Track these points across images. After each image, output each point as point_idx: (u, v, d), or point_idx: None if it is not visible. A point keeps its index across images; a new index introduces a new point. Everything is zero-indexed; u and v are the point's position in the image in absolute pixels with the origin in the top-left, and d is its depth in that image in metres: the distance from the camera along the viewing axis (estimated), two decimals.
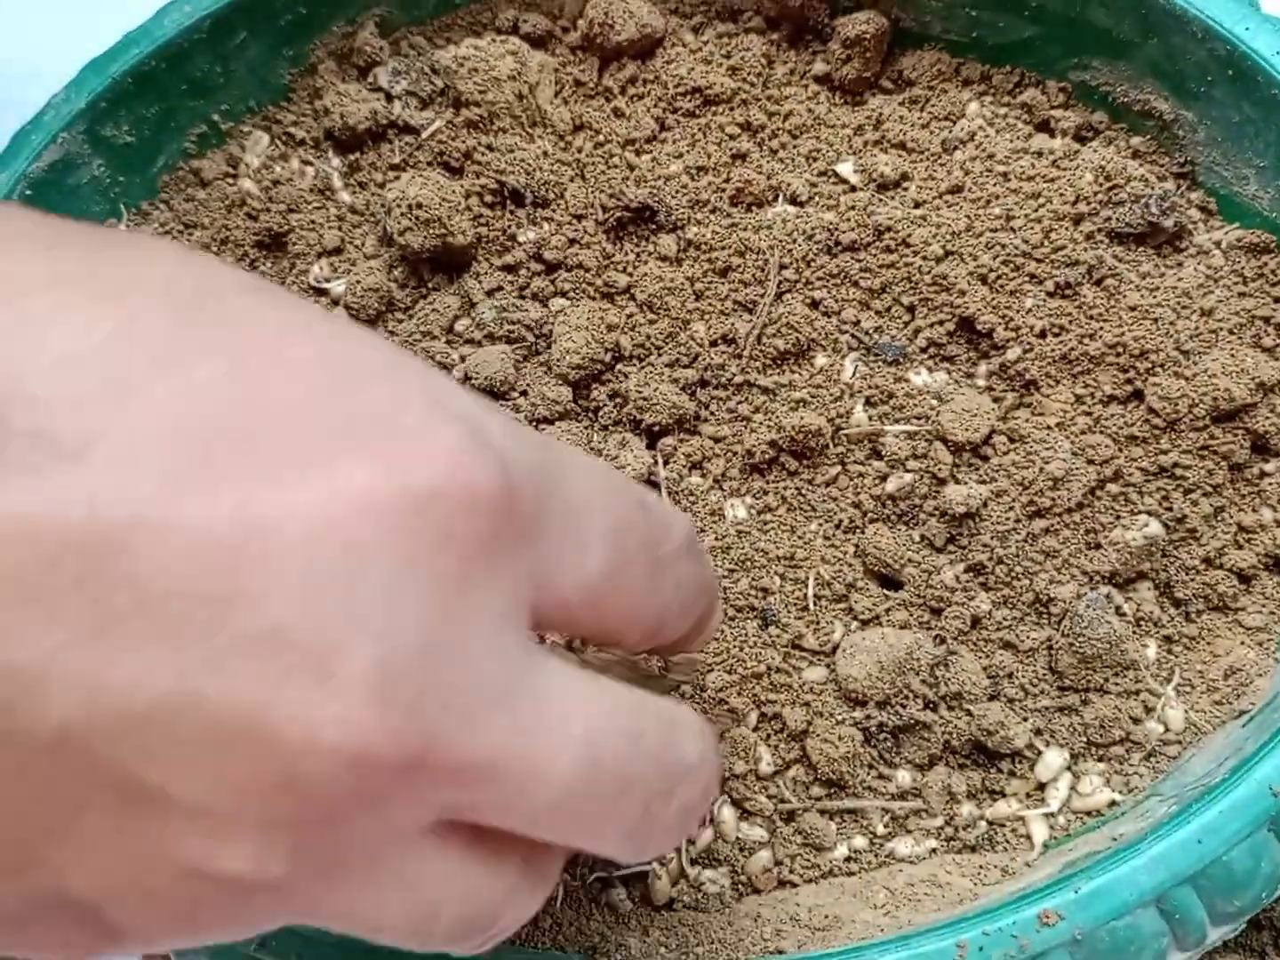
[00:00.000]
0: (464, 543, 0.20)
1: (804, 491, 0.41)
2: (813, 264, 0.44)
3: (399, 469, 0.19)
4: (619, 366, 0.44)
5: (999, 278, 0.42)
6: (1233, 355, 0.40)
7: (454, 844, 0.22)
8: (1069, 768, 0.38)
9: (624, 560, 0.24)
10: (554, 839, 0.23)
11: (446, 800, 0.21)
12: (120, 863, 0.19)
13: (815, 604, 0.40)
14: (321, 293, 0.47)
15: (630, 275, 0.45)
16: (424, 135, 0.48)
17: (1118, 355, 0.41)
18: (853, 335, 0.42)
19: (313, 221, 0.49)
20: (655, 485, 0.42)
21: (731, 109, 0.48)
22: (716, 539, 0.40)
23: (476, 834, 0.22)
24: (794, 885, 0.38)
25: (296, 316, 0.21)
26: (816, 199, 0.46)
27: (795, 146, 0.47)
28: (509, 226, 0.46)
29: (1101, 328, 0.41)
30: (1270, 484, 0.40)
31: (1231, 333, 0.41)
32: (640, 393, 0.42)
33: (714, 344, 0.43)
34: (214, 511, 0.18)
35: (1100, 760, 0.38)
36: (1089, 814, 0.37)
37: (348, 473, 0.19)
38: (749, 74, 0.49)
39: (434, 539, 0.20)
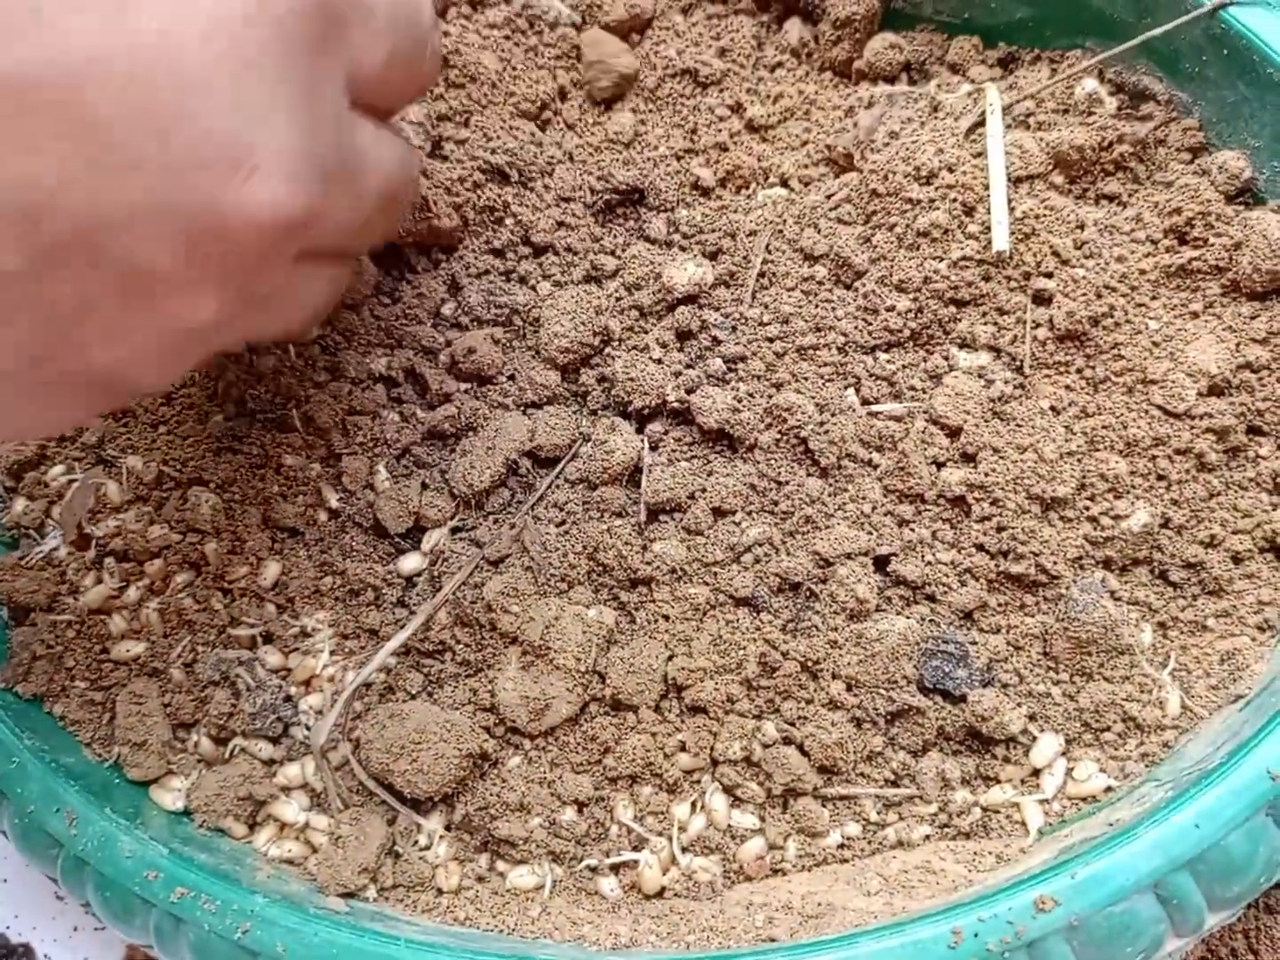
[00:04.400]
0: (309, 43, 0.27)
1: (796, 475, 0.41)
2: (802, 247, 0.43)
3: None
4: (607, 350, 0.43)
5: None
6: (1230, 330, 0.40)
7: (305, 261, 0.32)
8: (1064, 753, 0.38)
9: (400, 42, 0.32)
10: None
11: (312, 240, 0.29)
12: (127, 332, 0.27)
13: (808, 590, 0.39)
14: None
15: (619, 258, 0.45)
16: (409, 119, 0.47)
17: (1108, 332, 0.40)
18: (844, 318, 0.42)
19: None
20: (640, 470, 0.41)
21: (721, 90, 0.48)
22: (708, 527, 0.40)
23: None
24: (786, 873, 0.37)
25: None
26: (807, 180, 0.45)
27: (786, 128, 0.47)
28: (495, 210, 0.45)
29: (1090, 303, 0.40)
30: (1265, 467, 0.40)
31: (1223, 306, 0.41)
32: (628, 375, 0.41)
33: (703, 328, 0.42)
34: (139, 39, 0.24)
35: (1095, 746, 0.38)
36: (1084, 800, 0.37)
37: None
38: (739, 55, 0.48)
39: (291, 43, 0.26)
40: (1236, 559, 0.39)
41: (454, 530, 0.42)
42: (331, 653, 0.41)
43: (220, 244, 0.26)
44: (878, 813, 0.38)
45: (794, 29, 0.49)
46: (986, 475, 0.39)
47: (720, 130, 0.47)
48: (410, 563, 0.41)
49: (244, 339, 0.33)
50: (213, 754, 0.40)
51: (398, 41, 0.32)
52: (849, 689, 0.38)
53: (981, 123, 0.43)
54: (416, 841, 0.39)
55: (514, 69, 0.47)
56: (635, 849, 0.38)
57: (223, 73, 0.25)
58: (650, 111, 0.48)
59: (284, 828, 0.40)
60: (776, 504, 0.40)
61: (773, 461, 0.40)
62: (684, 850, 0.38)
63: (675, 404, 0.41)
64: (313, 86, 0.27)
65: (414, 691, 0.40)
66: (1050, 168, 0.42)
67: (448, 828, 0.39)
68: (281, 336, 0.35)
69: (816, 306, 0.42)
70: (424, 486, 0.42)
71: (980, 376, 0.41)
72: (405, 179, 0.36)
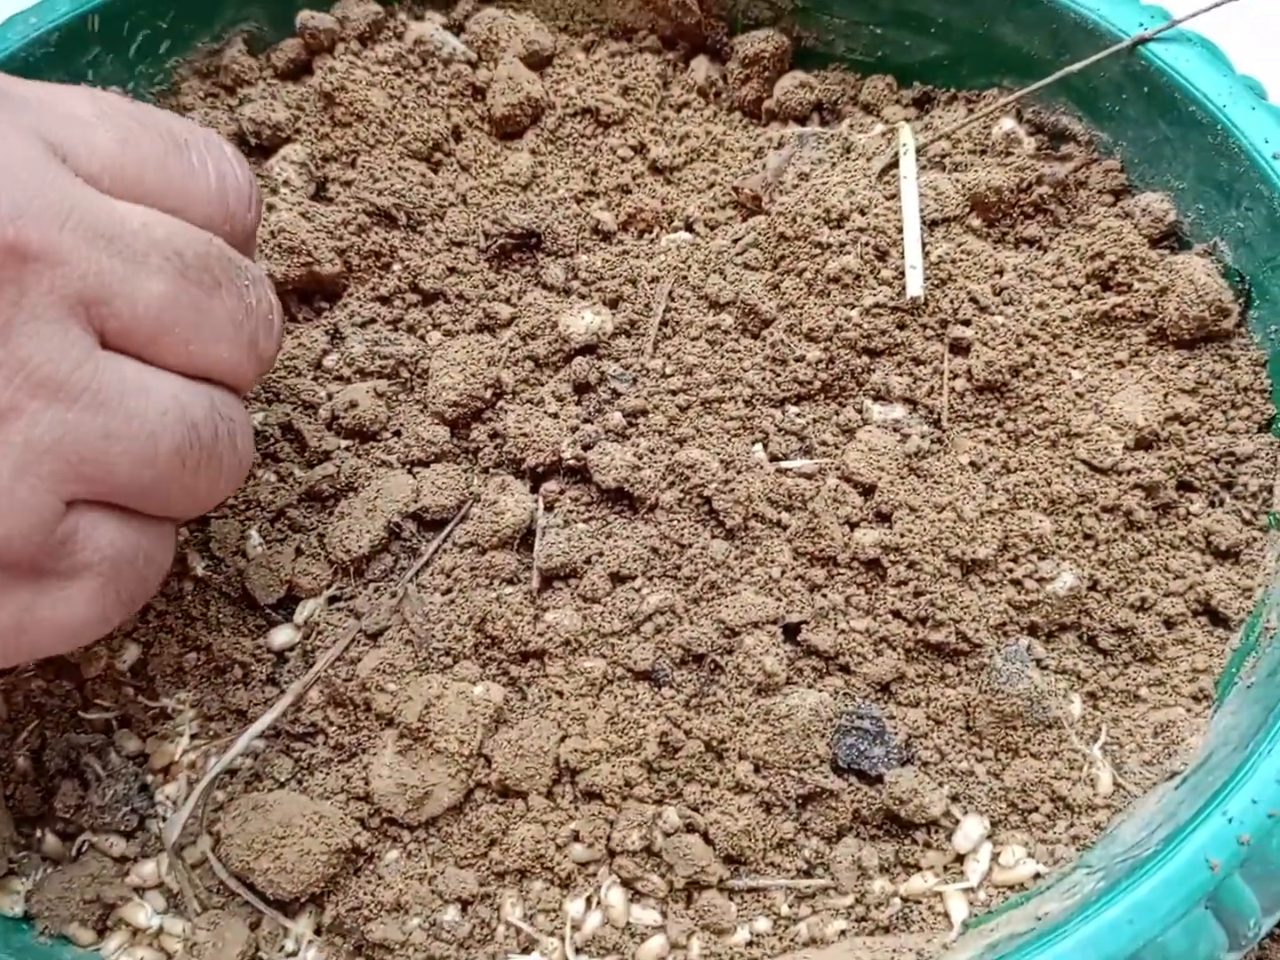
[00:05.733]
0: None
1: (700, 537, 0.38)
2: (708, 294, 0.41)
3: None
4: (500, 403, 0.40)
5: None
6: (1157, 380, 0.38)
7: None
8: (989, 837, 0.35)
9: (176, 289, 0.29)
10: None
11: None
12: None
13: (712, 663, 0.36)
14: None
15: (514, 305, 0.42)
16: (292, 158, 0.45)
17: (1029, 383, 0.38)
18: (751, 370, 0.39)
19: None
20: (532, 532, 0.38)
21: (624, 130, 0.45)
22: (605, 594, 0.37)
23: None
24: None
25: None
26: (713, 224, 0.43)
27: (691, 169, 0.45)
28: (382, 255, 0.42)
29: (1010, 352, 0.38)
30: (1197, 525, 0.38)
31: (1150, 355, 0.39)
32: (520, 430, 0.38)
33: (602, 380, 0.40)
34: None
35: (1023, 828, 0.35)
36: (1011, 888, 0.34)
37: None
38: (643, 94, 0.46)
39: None
40: (1169, 623, 0.37)
41: (331, 600, 0.38)
42: (193, 736, 0.37)
43: None
44: (789, 906, 0.35)
45: (701, 67, 0.47)
46: (902, 536, 0.36)
47: (622, 172, 0.45)
48: (282, 636, 0.38)
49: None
50: (59, 851, 0.37)
51: (169, 288, 0.29)
52: (757, 770, 0.35)
53: (895, 164, 0.41)
54: (282, 947, 0.35)
55: (404, 107, 0.45)
56: (524, 951, 0.34)
57: None
58: (549, 152, 0.46)
59: (136, 933, 0.36)
60: (679, 568, 0.37)
61: (675, 522, 0.38)
62: (578, 951, 0.34)
63: (571, 461, 0.39)
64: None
65: (282, 779, 0.36)
66: (967, 210, 0.41)
67: (317, 931, 0.35)
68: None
69: (722, 357, 0.40)
70: (299, 552, 0.39)
71: (895, 430, 0.38)
72: (199, 436, 0.30)
